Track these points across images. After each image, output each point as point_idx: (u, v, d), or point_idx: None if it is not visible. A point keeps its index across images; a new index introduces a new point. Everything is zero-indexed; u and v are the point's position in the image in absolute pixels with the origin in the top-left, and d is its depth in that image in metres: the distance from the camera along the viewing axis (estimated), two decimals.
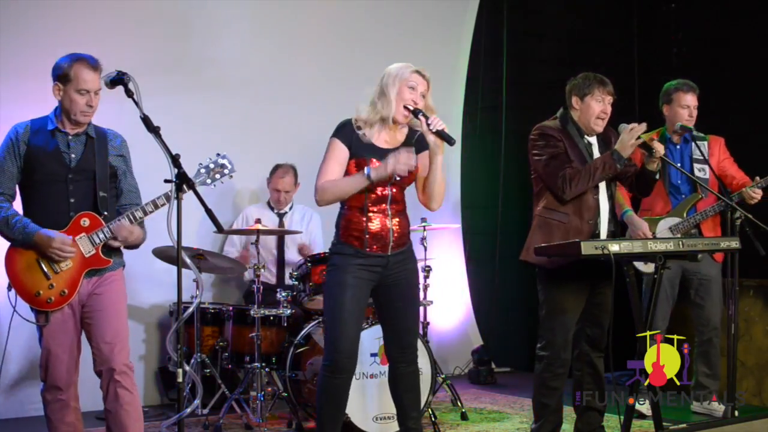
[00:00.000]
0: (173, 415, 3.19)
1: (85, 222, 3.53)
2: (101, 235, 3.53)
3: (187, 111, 5.74)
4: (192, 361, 4.93)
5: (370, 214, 3.63)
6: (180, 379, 3.08)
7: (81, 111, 3.50)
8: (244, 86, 6.06)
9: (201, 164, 3.61)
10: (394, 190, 3.67)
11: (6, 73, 5.18)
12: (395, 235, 3.66)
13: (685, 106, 5.01)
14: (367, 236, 3.62)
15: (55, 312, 3.51)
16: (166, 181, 3.15)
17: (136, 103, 3.25)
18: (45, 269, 3.49)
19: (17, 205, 3.60)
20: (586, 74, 4.08)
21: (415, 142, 3.72)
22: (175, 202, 3.15)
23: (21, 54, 5.25)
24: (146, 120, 3.22)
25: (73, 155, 3.55)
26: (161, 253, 4.94)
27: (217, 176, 3.61)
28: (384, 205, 3.65)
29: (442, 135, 3.57)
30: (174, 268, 3.25)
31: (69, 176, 3.53)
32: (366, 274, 3.64)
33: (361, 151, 3.62)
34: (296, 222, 5.80)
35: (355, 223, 3.64)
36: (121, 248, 3.66)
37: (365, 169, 3.56)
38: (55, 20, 5.36)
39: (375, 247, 3.63)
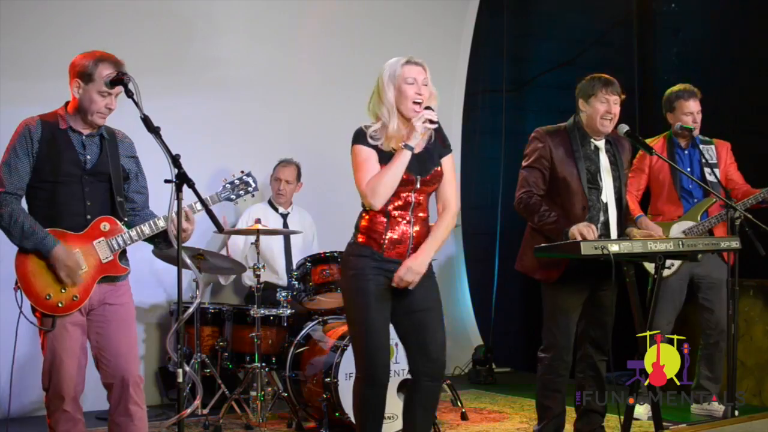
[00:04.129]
0: (173, 415, 3.19)
1: (105, 226, 3.43)
2: (120, 241, 3.44)
3: (188, 111, 5.74)
4: (192, 361, 4.93)
5: (392, 219, 3.46)
6: (180, 379, 3.08)
7: (99, 112, 3.39)
8: (245, 86, 6.07)
9: (226, 180, 3.76)
10: (421, 197, 3.51)
11: (6, 73, 5.17)
12: (414, 242, 3.48)
13: (688, 113, 4.98)
14: (386, 241, 3.45)
15: (62, 317, 3.35)
16: (167, 181, 3.14)
17: (136, 104, 3.22)
18: None
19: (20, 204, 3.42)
20: (592, 76, 4.09)
21: (434, 146, 3.55)
22: (175, 202, 3.14)
23: (21, 54, 5.25)
24: (146, 120, 3.19)
25: (88, 157, 3.43)
26: (161, 253, 4.93)
27: (241, 192, 3.77)
28: (407, 212, 3.48)
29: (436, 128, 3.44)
30: (174, 268, 3.25)
31: (84, 178, 3.41)
32: (384, 280, 3.44)
33: (384, 161, 3.43)
34: (296, 223, 5.83)
35: (376, 225, 3.46)
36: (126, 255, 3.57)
37: (401, 144, 3.39)
38: (55, 21, 5.36)
39: (393, 252, 3.46)
